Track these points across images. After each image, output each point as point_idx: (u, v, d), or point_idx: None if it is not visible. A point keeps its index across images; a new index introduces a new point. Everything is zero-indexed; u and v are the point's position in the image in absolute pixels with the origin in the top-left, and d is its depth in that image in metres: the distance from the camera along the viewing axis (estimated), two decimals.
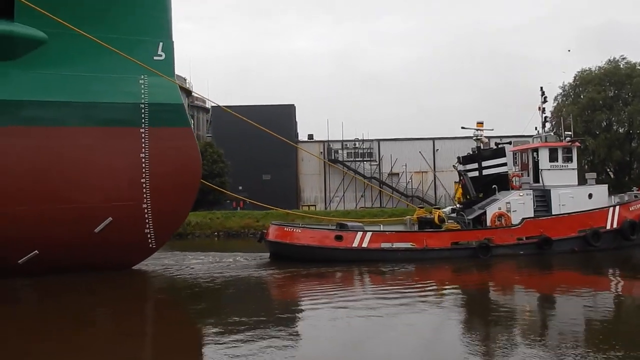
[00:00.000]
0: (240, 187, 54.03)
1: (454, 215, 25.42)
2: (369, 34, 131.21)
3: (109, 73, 21.36)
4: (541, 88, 25.76)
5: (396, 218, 29.17)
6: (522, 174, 25.96)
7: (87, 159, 20.84)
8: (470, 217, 24.35)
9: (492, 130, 26.49)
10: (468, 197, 25.53)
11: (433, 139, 64.37)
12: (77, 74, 20.99)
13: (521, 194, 24.24)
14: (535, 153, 25.82)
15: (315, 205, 64.62)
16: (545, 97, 26.16)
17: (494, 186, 24.89)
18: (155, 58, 22.04)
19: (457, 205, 26.42)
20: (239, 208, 55.82)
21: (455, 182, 62.94)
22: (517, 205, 23.99)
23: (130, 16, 21.64)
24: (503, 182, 24.99)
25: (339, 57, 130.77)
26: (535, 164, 25.64)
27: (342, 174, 65.27)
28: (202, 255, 26.86)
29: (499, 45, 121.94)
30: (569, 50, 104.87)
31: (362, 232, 23.41)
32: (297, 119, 67.42)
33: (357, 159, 64.69)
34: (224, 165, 52.85)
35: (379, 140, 64.98)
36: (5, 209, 19.54)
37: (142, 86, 21.81)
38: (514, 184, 24.98)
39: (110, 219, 20.90)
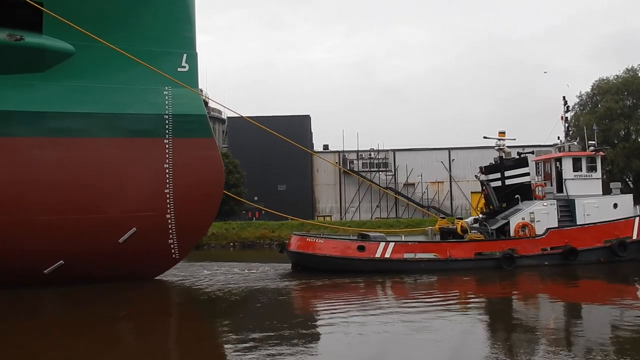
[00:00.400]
0: (255, 198, 54.20)
1: (476, 225, 25.24)
2: (383, 45, 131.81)
3: (134, 84, 21.59)
4: (564, 98, 25.65)
5: (417, 228, 29.01)
6: (545, 183, 25.73)
7: (112, 170, 21.01)
8: (494, 227, 24.16)
9: (515, 139, 26.39)
10: (491, 207, 25.34)
11: (449, 149, 64.19)
12: (103, 86, 21.24)
13: (545, 204, 24.01)
14: (558, 163, 25.62)
15: (330, 216, 64.61)
16: (568, 107, 26.02)
17: (516, 196, 24.70)
18: (179, 69, 22.27)
19: (480, 216, 26.23)
20: (254, 219, 56.02)
21: (472, 192, 62.91)
22: (541, 215, 23.76)
23: (155, 28, 21.91)
24: (526, 192, 24.81)
25: (354, 68, 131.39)
26: (559, 173, 25.43)
27: (358, 184, 65.26)
28: (222, 266, 26.89)
29: (514, 54, 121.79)
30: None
31: (384, 243, 23.32)
32: (312, 130, 67.67)
33: (372, 169, 64.66)
34: (239, 175, 53.11)
35: (394, 151, 64.94)
36: (31, 218, 19.76)
37: (167, 97, 22.02)
38: (537, 193, 24.76)
39: (135, 229, 21.01)
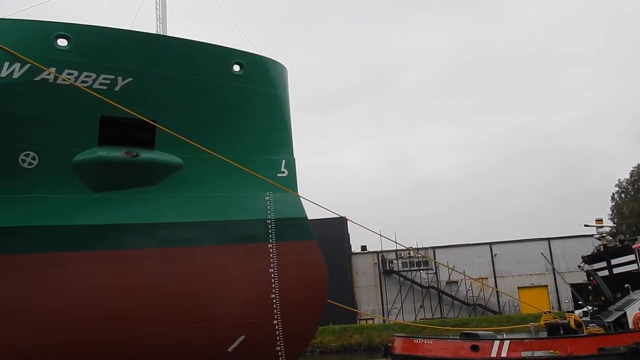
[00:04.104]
0: None
1: (587, 318, 24.19)
2: (416, 143, 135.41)
3: (238, 192, 21.78)
4: None
5: (519, 325, 27.83)
6: None
7: (221, 277, 20.60)
8: (610, 319, 23.11)
9: (614, 225, 25.99)
10: (602, 298, 24.43)
11: (490, 244, 63.59)
12: (209, 194, 21.40)
13: None
14: None
15: (373, 319, 62.65)
16: None
17: (626, 285, 23.90)
18: (279, 175, 22.60)
19: (589, 308, 25.21)
20: None
21: (518, 287, 61.34)
22: None
23: (256, 137, 22.47)
24: (636, 280, 24.03)
25: (389, 167, 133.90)
26: None
27: (399, 284, 64.04)
28: None
29: (549, 143, 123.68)
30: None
31: (499, 341, 22.18)
32: (349, 231, 67.46)
33: (412, 268, 63.73)
34: None
35: (434, 248, 64.37)
36: (141, 331, 19.03)
37: (268, 202, 22.16)
38: None
39: (243, 337, 20.22)
